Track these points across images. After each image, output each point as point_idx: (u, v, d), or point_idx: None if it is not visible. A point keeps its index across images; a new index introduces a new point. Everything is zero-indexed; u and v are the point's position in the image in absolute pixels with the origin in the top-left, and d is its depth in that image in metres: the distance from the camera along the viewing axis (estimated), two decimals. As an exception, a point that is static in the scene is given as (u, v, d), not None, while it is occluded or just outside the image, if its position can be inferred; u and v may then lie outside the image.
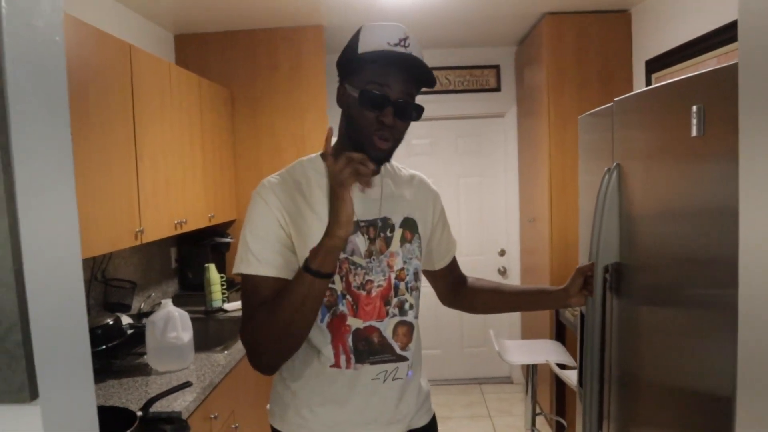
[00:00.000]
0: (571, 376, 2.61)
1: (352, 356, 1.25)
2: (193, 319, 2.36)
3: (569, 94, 3.35)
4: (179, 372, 2.20)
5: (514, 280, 4.39)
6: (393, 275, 1.28)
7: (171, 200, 2.63)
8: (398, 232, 1.30)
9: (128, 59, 2.29)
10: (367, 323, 1.25)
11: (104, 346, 2.14)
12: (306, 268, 1.10)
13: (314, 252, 1.10)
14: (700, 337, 1.17)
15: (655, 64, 3.01)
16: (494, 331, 3.36)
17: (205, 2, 3.01)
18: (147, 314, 2.58)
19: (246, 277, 1.20)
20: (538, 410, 3.28)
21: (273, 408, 1.34)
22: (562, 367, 2.88)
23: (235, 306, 3.21)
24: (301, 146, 3.52)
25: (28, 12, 0.58)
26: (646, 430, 1.44)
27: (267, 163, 3.53)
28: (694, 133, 1.13)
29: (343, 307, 1.24)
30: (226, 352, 2.43)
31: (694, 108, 1.12)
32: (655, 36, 3.04)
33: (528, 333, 4.21)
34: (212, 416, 2.11)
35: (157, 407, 1.85)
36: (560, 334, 3.41)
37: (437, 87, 4.18)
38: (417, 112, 1.20)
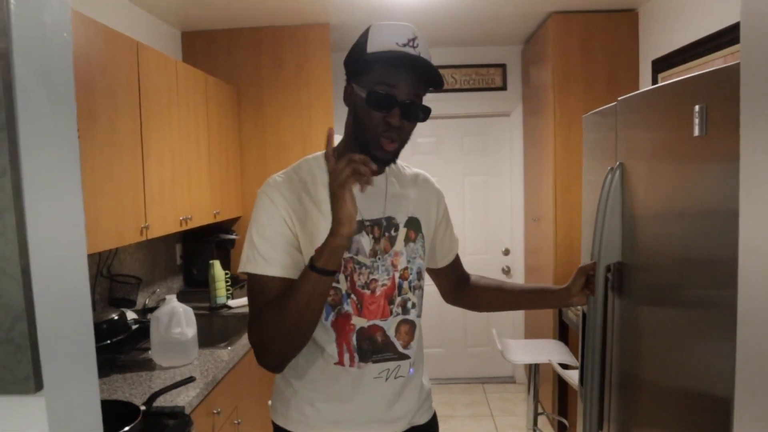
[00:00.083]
0: (573, 376, 2.60)
1: (356, 354, 1.25)
2: (197, 316, 2.37)
3: (575, 94, 3.34)
4: (183, 367, 2.21)
5: (518, 279, 4.39)
6: (397, 274, 1.29)
7: (176, 197, 2.65)
8: (402, 232, 1.31)
9: (135, 56, 2.30)
10: (372, 322, 1.26)
11: (109, 341, 2.15)
12: (311, 266, 1.10)
13: (319, 251, 1.10)
14: (702, 338, 1.17)
15: (661, 64, 3.00)
16: (497, 331, 3.37)
17: (212, 0, 3.02)
18: (152, 310, 2.59)
19: (252, 277, 1.20)
20: (540, 410, 3.28)
21: (275, 404, 1.35)
22: (565, 367, 2.88)
23: (239, 303, 3.23)
24: (306, 144, 3.53)
25: (37, 8, 0.59)
26: (646, 430, 1.44)
27: (272, 161, 3.54)
28: (696, 132, 1.13)
29: (347, 306, 1.24)
30: (229, 348, 2.44)
31: (697, 108, 1.12)
32: (662, 35, 3.03)
33: (531, 332, 4.21)
34: (215, 411, 2.12)
35: (161, 402, 1.86)
36: (563, 333, 3.41)
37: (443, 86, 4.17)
38: (424, 113, 1.20)
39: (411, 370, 1.32)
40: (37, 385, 0.57)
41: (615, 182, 1.51)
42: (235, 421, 2.35)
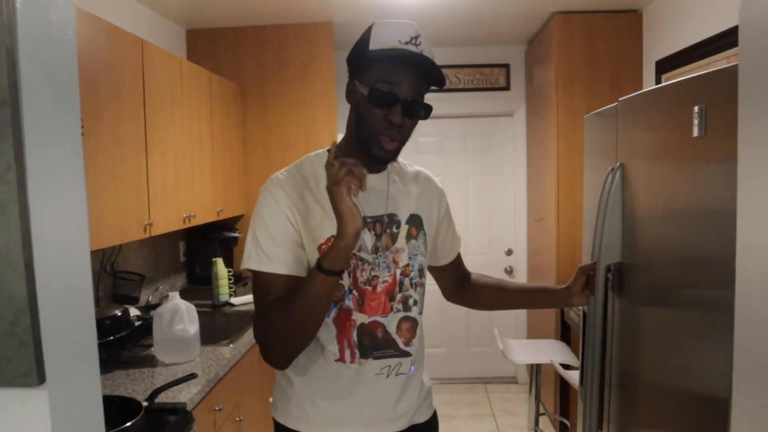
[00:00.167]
0: (575, 377, 2.60)
1: (356, 351, 1.25)
2: (200, 313, 2.38)
3: (578, 94, 3.34)
4: (185, 364, 2.22)
5: (520, 279, 4.38)
6: (398, 271, 1.29)
7: (180, 194, 2.66)
8: (404, 229, 1.31)
9: (140, 54, 2.31)
10: (372, 318, 1.26)
11: (112, 337, 2.15)
12: (318, 267, 1.11)
13: (326, 252, 1.12)
14: (702, 338, 1.17)
15: (665, 65, 2.99)
16: (499, 330, 3.36)
17: (216, -2, 3.04)
18: (155, 307, 2.60)
19: (257, 274, 1.21)
20: (542, 410, 3.28)
21: (275, 401, 1.35)
22: (567, 367, 2.88)
23: (242, 300, 3.23)
24: (310, 142, 3.54)
25: (42, 7, 0.59)
26: (646, 430, 1.44)
27: (276, 159, 3.55)
28: (695, 133, 1.13)
29: (348, 302, 1.25)
30: (231, 345, 2.45)
31: (696, 108, 1.12)
32: (665, 36, 3.03)
33: (533, 333, 4.21)
34: (216, 408, 2.13)
35: (163, 398, 1.86)
36: (565, 334, 3.40)
37: (447, 85, 4.15)
38: (425, 111, 1.20)
39: (412, 368, 1.33)
40: (40, 379, 0.57)
41: (615, 182, 1.52)
42: (237, 419, 2.36)
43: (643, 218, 1.42)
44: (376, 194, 1.29)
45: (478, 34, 3.87)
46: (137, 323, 2.31)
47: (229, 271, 3.24)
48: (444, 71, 4.24)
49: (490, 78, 4.23)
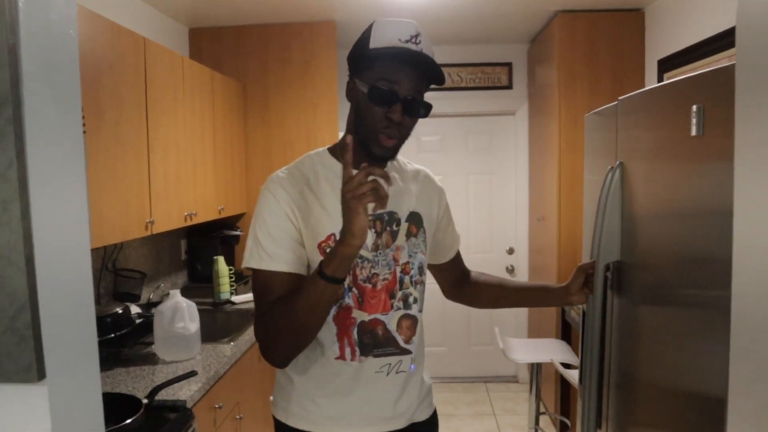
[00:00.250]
0: (575, 376, 2.60)
1: (357, 349, 1.26)
2: (201, 311, 2.38)
3: (581, 93, 3.33)
4: (185, 362, 2.22)
5: (522, 278, 4.38)
6: (398, 269, 1.29)
7: (181, 192, 2.66)
8: (404, 226, 1.31)
9: (142, 52, 2.31)
10: (372, 316, 1.26)
11: (113, 335, 2.16)
12: (320, 273, 1.10)
13: (328, 258, 1.10)
14: (700, 337, 1.18)
15: (667, 64, 2.99)
16: (500, 329, 3.36)
17: (218, -4, 3.04)
18: (156, 304, 2.60)
19: (257, 272, 1.21)
20: (542, 409, 3.28)
21: (276, 399, 1.35)
22: (567, 366, 2.88)
23: (243, 298, 3.24)
24: (311, 140, 3.54)
25: (44, 6, 0.59)
26: (644, 430, 1.44)
27: (278, 157, 3.55)
28: (693, 132, 1.13)
29: (349, 300, 1.25)
30: (232, 343, 2.45)
31: (694, 108, 1.12)
32: (668, 35, 3.02)
33: (534, 331, 4.21)
34: (217, 406, 2.13)
35: (163, 395, 1.87)
36: (566, 333, 3.40)
37: (449, 84, 4.17)
38: (425, 110, 1.20)
39: (412, 366, 1.33)
40: (40, 375, 0.57)
41: (615, 182, 1.52)
42: (237, 417, 2.36)
43: (643, 217, 1.42)
44: None
45: (481, 32, 3.86)
46: (138, 321, 2.31)
47: (230, 270, 3.24)
48: (446, 70, 4.30)
49: (492, 77, 4.23)
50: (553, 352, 3.00)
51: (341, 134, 1.35)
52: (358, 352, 1.26)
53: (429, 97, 1.22)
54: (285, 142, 3.57)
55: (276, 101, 3.56)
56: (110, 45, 2.08)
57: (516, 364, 4.46)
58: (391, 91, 1.15)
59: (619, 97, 1.56)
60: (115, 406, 1.70)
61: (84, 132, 1.79)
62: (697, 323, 1.20)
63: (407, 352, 1.31)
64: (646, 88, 1.46)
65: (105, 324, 2.15)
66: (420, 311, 1.35)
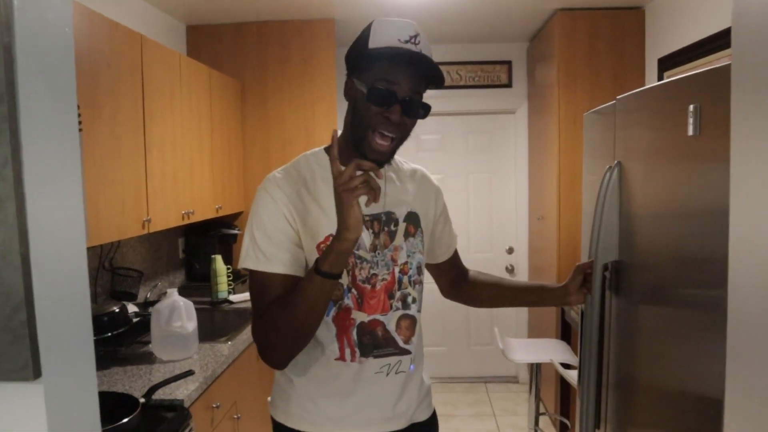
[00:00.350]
0: (575, 376, 2.60)
1: (356, 349, 1.26)
2: (198, 310, 2.37)
3: (580, 92, 3.33)
4: (183, 361, 2.21)
5: (521, 278, 4.37)
6: (397, 269, 1.29)
7: (179, 191, 2.65)
8: (402, 226, 1.31)
9: (139, 50, 2.30)
10: (372, 317, 1.26)
11: (110, 334, 2.15)
12: (317, 270, 1.10)
13: (324, 254, 1.10)
14: (698, 338, 1.17)
15: (667, 62, 2.98)
16: (500, 329, 3.36)
17: (217, -6, 3.03)
18: (153, 303, 2.60)
19: (254, 273, 1.21)
20: (542, 410, 3.27)
21: (275, 400, 1.35)
22: (567, 366, 2.87)
23: (240, 298, 3.23)
24: (310, 139, 3.53)
25: (40, 4, 0.60)
26: (643, 430, 1.44)
27: (276, 155, 3.54)
28: (690, 132, 1.13)
29: (348, 301, 1.25)
30: (229, 342, 2.45)
31: (691, 107, 1.12)
32: (668, 33, 3.01)
33: (534, 332, 4.20)
34: (214, 405, 2.12)
35: (160, 395, 1.87)
36: (566, 333, 3.39)
37: (448, 82, 4.16)
38: (424, 110, 1.20)
39: (412, 366, 1.33)
40: (36, 373, 0.57)
41: (613, 181, 1.51)
42: (235, 416, 2.35)
43: (641, 217, 1.42)
44: None
45: (480, 30, 3.86)
46: (135, 320, 2.31)
47: (228, 268, 3.23)
48: (446, 68, 4.29)
49: (492, 75, 4.22)
50: (552, 352, 3.00)
51: (340, 133, 1.34)
52: (357, 353, 1.26)
53: (428, 95, 1.22)
54: (283, 140, 3.57)
55: (274, 99, 3.55)
56: (107, 42, 2.08)
57: (516, 365, 4.45)
58: (390, 91, 1.15)
59: (617, 96, 1.56)
60: (112, 405, 1.69)
61: (80, 130, 1.78)
62: (696, 323, 1.19)
63: (407, 352, 1.31)
64: (644, 87, 1.46)
65: (102, 323, 2.14)
66: (419, 311, 1.35)
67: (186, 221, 2.72)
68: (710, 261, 1.10)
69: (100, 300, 2.53)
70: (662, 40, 3.08)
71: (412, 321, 1.32)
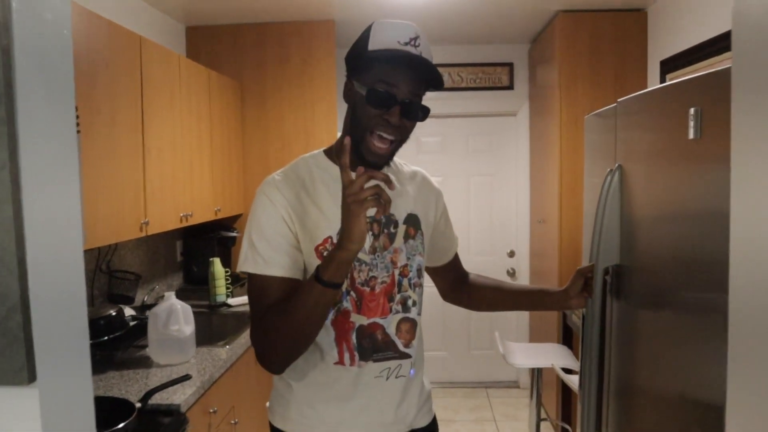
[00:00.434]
0: (576, 381, 2.59)
1: (356, 353, 1.25)
2: (196, 313, 2.36)
3: (582, 94, 3.31)
4: (180, 365, 2.20)
5: (522, 282, 4.32)
6: (397, 271, 1.28)
7: (177, 193, 2.64)
8: (402, 229, 1.30)
9: (138, 51, 2.30)
10: (371, 320, 1.25)
11: (106, 337, 2.13)
12: (317, 278, 1.09)
13: (325, 263, 1.09)
14: (701, 343, 1.16)
15: (669, 65, 2.96)
16: (500, 334, 3.34)
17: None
18: (150, 307, 2.58)
19: (252, 277, 1.20)
20: (543, 415, 3.25)
21: (273, 406, 1.34)
22: (569, 371, 2.86)
23: (239, 301, 3.22)
24: (310, 140, 3.51)
25: (38, 5, 0.59)
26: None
27: (275, 157, 3.53)
28: (691, 135, 1.13)
29: (347, 304, 1.24)
30: (227, 347, 2.43)
31: (692, 110, 1.12)
32: (671, 36, 3.00)
33: (536, 336, 4.18)
34: (211, 411, 2.11)
35: (157, 399, 1.85)
36: (568, 337, 3.37)
37: (449, 84, 4.14)
38: (423, 113, 1.20)
39: (412, 371, 1.32)
40: (31, 377, 0.57)
41: (614, 184, 1.51)
42: (232, 421, 2.34)
43: (642, 220, 1.42)
44: None
45: (481, 32, 3.84)
46: (132, 323, 2.29)
47: (226, 272, 3.22)
48: (446, 70, 4.28)
49: (493, 77, 4.20)
50: (554, 357, 2.98)
51: (339, 135, 1.34)
52: (357, 357, 1.25)
53: (429, 96, 1.22)
54: (283, 142, 3.55)
55: (274, 101, 3.54)
56: (106, 43, 2.07)
57: (517, 370, 4.42)
58: (389, 93, 1.15)
59: (618, 99, 1.56)
60: (108, 410, 1.68)
61: (78, 132, 1.77)
62: (698, 327, 1.19)
63: (407, 356, 1.30)
64: (645, 90, 1.46)
65: (98, 326, 2.13)
66: (419, 314, 1.34)
67: (184, 224, 2.71)
68: (711, 264, 1.10)
69: (97, 303, 2.52)
70: (665, 42, 3.07)
71: (413, 324, 1.31)
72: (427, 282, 1.41)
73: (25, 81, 0.57)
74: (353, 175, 1.05)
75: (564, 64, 3.32)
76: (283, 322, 1.14)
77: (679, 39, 2.89)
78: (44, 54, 0.60)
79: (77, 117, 1.65)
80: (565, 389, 3.40)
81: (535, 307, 1.62)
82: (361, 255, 1.24)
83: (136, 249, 2.90)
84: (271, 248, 1.19)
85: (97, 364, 2.15)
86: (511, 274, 4.40)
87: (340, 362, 1.25)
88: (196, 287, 3.35)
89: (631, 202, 1.46)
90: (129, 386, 2.00)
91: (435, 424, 1.43)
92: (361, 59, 1.19)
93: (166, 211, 2.53)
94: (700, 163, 1.15)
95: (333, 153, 1.29)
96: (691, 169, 1.19)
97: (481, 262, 4.27)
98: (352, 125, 1.21)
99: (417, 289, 1.33)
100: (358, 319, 1.25)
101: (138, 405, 1.75)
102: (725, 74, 0.95)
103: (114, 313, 2.20)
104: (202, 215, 2.92)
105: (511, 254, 4.41)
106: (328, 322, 1.24)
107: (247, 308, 3.03)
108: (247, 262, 1.20)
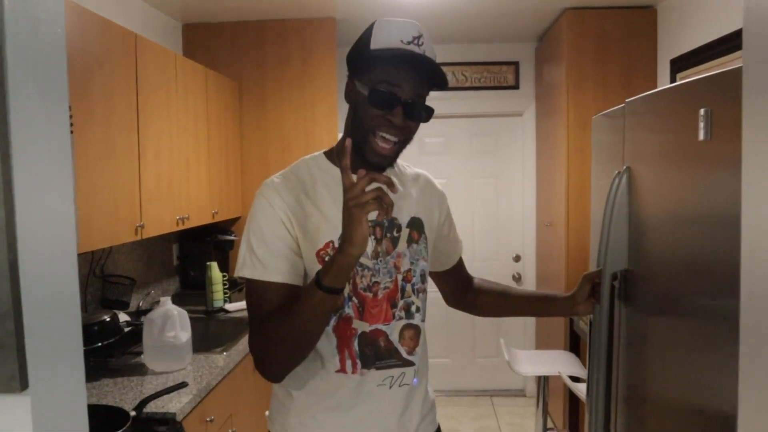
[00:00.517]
0: (583, 389, 2.56)
1: (358, 361, 1.23)
2: (193, 319, 2.35)
3: (590, 94, 3.27)
4: (176, 372, 2.18)
5: (529, 287, 4.29)
6: (400, 276, 1.26)
7: (174, 195, 2.62)
8: (405, 233, 1.29)
9: (133, 49, 2.28)
10: (374, 326, 1.24)
11: (100, 344, 2.11)
12: (318, 283, 1.07)
13: (326, 267, 1.08)
14: (712, 350, 1.15)
15: (680, 64, 2.93)
16: (506, 341, 3.30)
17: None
18: (145, 312, 2.55)
19: (251, 282, 1.19)
20: (550, 424, 3.21)
21: (273, 415, 1.31)
22: (576, 379, 2.81)
23: (236, 306, 3.18)
24: (310, 142, 3.48)
25: (31, 3, 0.60)
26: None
27: (274, 159, 3.50)
28: (701, 136, 1.12)
29: (349, 310, 1.22)
30: (225, 353, 2.40)
31: (702, 111, 1.11)
32: (681, 34, 2.97)
33: (542, 343, 4.13)
34: (208, 419, 2.08)
35: (152, 408, 1.83)
36: (575, 344, 3.32)
37: (453, 83, 4.11)
38: (427, 113, 1.19)
39: (415, 379, 1.30)
40: (23, 385, 0.57)
41: (621, 187, 1.50)
42: (230, 430, 2.31)
43: (650, 224, 1.40)
44: None
45: (486, 30, 3.82)
46: (127, 329, 2.26)
47: (224, 276, 3.18)
48: (451, 69, 4.24)
49: (499, 76, 4.16)
50: (561, 364, 2.94)
51: (340, 136, 1.31)
52: (359, 365, 1.23)
53: (432, 96, 1.21)
54: (282, 143, 3.52)
55: (273, 101, 3.51)
56: (100, 41, 2.06)
57: (523, 377, 4.33)
58: (391, 93, 1.14)
59: (627, 99, 1.54)
60: (102, 418, 1.66)
61: (72, 132, 1.74)
62: (708, 334, 1.18)
63: (410, 363, 1.28)
64: (653, 90, 1.44)
65: (92, 332, 2.10)
66: (423, 320, 1.32)
67: (181, 227, 2.68)
68: (722, 269, 1.10)
69: (91, 308, 2.50)
70: (675, 41, 3.04)
71: (416, 331, 1.29)
72: (431, 287, 1.39)
73: (18, 81, 0.57)
74: (354, 177, 1.03)
75: (571, 63, 3.28)
76: (283, 329, 1.12)
77: (690, 37, 2.85)
78: (37, 53, 0.61)
79: (71, 117, 1.62)
80: (573, 398, 3.35)
81: (542, 313, 1.61)
82: (363, 260, 1.22)
83: (131, 253, 2.87)
84: (270, 253, 1.17)
85: (91, 371, 2.13)
86: (517, 279, 4.35)
87: (342, 370, 1.23)
88: (192, 292, 3.33)
89: (640, 205, 1.45)
90: (123, 394, 1.98)
91: (439, 434, 1.41)
92: (363, 58, 1.18)
93: (162, 213, 2.51)
94: (711, 165, 1.14)
95: (334, 155, 1.28)
96: (701, 172, 1.18)
97: (485, 267, 4.22)
98: (354, 126, 1.19)
99: (421, 294, 1.31)
100: (361, 326, 1.23)
101: (133, 413, 1.73)
102: (736, 74, 0.93)
103: (108, 319, 2.18)
104: (199, 218, 2.90)
105: (517, 258, 4.35)
106: (329, 328, 1.22)
107: (245, 314, 2.99)
108: (246, 267, 1.18)
